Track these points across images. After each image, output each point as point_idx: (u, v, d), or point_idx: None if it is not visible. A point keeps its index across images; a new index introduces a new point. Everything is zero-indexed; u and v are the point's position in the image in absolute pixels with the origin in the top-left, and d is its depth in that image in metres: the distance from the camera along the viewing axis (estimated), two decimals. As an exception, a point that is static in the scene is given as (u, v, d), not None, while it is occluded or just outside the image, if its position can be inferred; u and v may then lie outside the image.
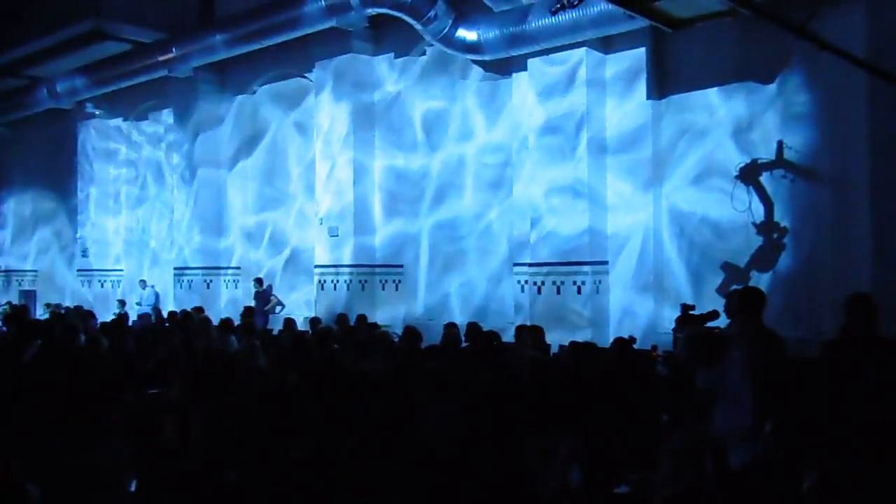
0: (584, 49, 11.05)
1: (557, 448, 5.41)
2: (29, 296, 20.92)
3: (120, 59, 16.75)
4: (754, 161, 10.13)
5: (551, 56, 11.30)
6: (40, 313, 17.38)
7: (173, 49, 15.50)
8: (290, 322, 10.59)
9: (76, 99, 18.56)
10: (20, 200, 22.17)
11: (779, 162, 9.96)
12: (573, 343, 7.60)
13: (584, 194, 11.12)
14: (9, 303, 18.09)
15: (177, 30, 15.89)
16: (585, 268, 11.12)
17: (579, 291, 11.14)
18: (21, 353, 8.49)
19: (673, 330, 8.82)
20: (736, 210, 10.17)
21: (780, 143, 9.95)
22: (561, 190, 11.30)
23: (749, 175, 10.16)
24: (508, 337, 8.82)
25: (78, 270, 19.44)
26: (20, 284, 21.87)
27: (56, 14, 16.71)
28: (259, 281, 15.23)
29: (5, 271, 22.35)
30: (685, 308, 8.58)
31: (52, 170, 21.26)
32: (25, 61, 18.14)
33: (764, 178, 10.05)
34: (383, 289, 13.89)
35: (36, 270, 21.66)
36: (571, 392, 6.00)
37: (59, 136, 20.43)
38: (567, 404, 5.73)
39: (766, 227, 10.07)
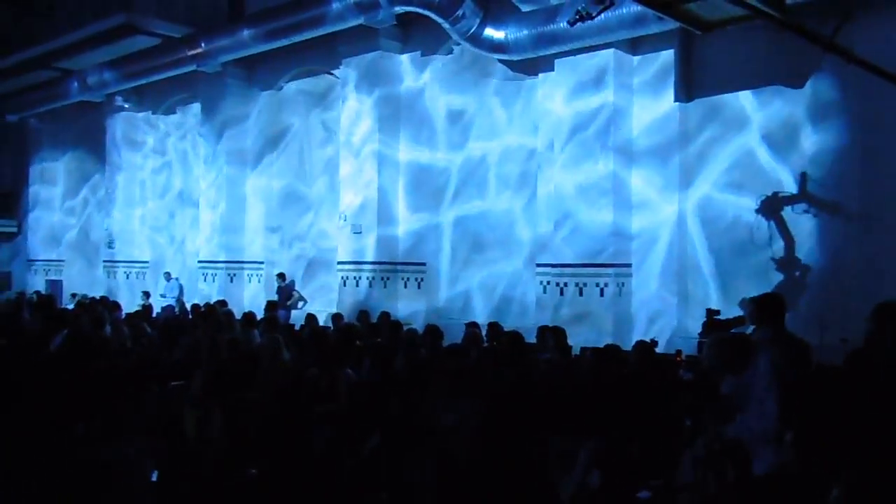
0: (612, 50, 10.99)
1: (578, 451, 5.38)
2: (55, 286, 21.21)
3: (150, 53, 16.93)
4: (776, 195, 10.07)
5: (579, 56, 11.24)
6: (66, 303, 17.58)
7: (202, 44, 15.62)
8: (311, 318, 10.62)
9: (106, 92, 18.78)
10: (49, 189, 22.44)
11: (802, 195, 9.89)
12: (597, 348, 7.57)
13: (610, 196, 11.06)
14: (36, 292, 18.35)
15: (206, 25, 16.04)
16: (609, 270, 11.05)
17: (602, 293, 11.08)
18: (47, 343, 8.59)
19: (699, 335, 8.74)
20: (755, 244, 10.13)
21: (803, 175, 9.86)
22: (586, 191, 11.24)
23: (773, 204, 10.09)
24: (530, 337, 8.78)
25: (104, 261, 19.69)
26: (47, 274, 22.17)
27: (88, 8, 16.97)
28: (282, 276, 15.31)
29: (32, 261, 22.65)
30: (710, 313, 8.51)
31: (81, 161, 21.62)
32: (57, 54, 18.37)
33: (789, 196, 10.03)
34: (405, 286, 13.90)
35: (62, 260, 21.96)
36: (593, 395, 5.96)
37: (88, 128, 20.71)
38: (588, 407, 5.70)
39: (787, 259, 10.01)
